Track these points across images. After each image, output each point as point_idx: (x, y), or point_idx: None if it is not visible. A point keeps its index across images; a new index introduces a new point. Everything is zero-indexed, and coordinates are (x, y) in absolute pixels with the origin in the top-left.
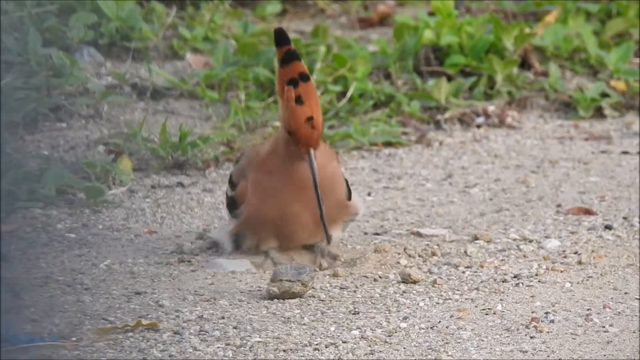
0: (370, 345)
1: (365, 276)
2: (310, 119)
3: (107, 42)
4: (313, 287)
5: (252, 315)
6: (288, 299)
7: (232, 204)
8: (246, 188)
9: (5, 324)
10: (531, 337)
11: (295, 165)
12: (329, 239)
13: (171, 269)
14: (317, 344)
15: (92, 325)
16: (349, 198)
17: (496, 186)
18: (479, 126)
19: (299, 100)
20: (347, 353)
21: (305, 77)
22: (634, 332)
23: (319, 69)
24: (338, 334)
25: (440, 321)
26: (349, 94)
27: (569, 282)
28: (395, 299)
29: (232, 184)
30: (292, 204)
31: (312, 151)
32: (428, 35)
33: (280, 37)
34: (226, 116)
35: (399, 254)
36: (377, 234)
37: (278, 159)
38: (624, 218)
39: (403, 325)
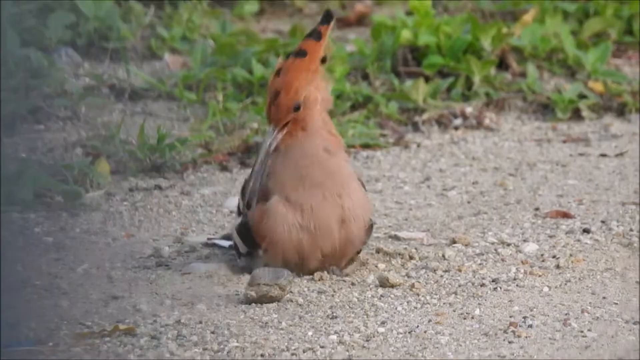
0: (348, 350)
1: (343, 280)
2: (277, 93)
3: (85, 43)
4: (291, 291)
5: (230, 319)
6: (266, 303)
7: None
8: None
9: None
10: (509, 342)
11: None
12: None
13: (149, 273)
14: (294, 349)
15: (69, 329)
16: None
17: (474, 189)
18: (456, 128)
19: (277, 72)
20: (325, 358)
21: (299, 54)
22: (612, 337)
23: None
24: (316, 339)
25: (418, 326)
26: None
27: (547, 286)
28: (373, 303)
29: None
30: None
31: (275, 128)
32: (406, 35)
33: (322, 17)
34: (204, 117)
35: (377, 257)
36: None
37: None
38: (602, 222)
39: (381, 329)
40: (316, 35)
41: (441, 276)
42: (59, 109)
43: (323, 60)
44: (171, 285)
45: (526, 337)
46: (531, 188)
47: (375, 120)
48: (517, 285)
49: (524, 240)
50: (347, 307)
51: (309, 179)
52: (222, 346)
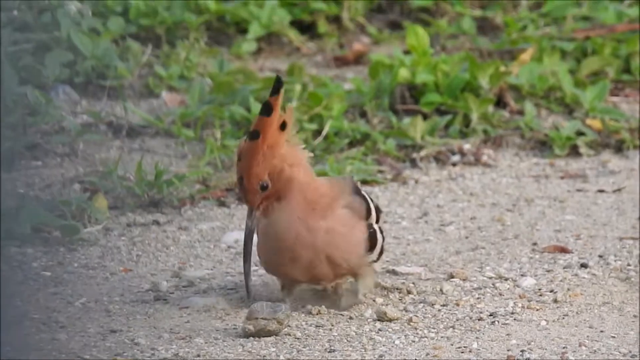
0: None
1: (341, 314)
2: (240, 179)
3: (83, 81)
4: (289, 325)
5: (228, 353)
6: (264, 337)
7: None
8: None
9: None
10: None
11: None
12: (248, 294)
13: (147, 307)
14: None
15: None
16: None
17: (472, 224)
18: (454, 164)
19: (239, 157)
20: None
21: (252, 135)
22: None
23: (295, 107)
24: None
25: (415, 359)
26: (324, 132)
27: (545, 320)
28: (370, 337)
29: None
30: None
31: (252, 209)
32: (403, 73)
33: (273, 85)
34: (202, 154)
35: (375, 292)
36: None
37: None
38: (600, 256)
39: None
40: (266, 110)
41: (439, 310)
42: (57, 146)
43: (283, 127)
44: (169, 319)
45: None
46: (529, 223)
47: (373, 157)
48: (514, 319)
49: (522, 275)
50: (345, 340)
51: (287, 253)
52: None
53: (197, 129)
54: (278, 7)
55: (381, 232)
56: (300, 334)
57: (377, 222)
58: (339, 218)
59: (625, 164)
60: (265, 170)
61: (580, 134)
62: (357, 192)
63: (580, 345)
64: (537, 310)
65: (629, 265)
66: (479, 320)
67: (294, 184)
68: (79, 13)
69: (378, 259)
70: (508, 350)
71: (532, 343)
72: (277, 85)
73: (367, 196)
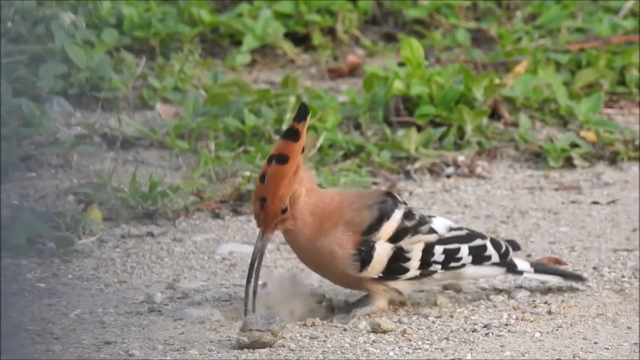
0: None
1: (335, 326)
2: (263, 199)
3: (77, 92)
4: (283, 337)
5: None
6: (258, 348)
7: None
8: None
9: None
10: None
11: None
12: (245, 312)
13: (141, 319)
14: None
15: None
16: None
17: None
18: (448, 176)
19: (262, 178)
20: None
21: (281, 160)
22: None
23: (289, 119)
24: None
25: None
26: (318, 144)
27: (539, 332)
28: (365, 349)
29: None
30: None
31: (261, 230)
32: (398, 85)
33: (298, 112)
34: (196, 166)
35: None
36: None
37: None
38: (594, 268)
39: None
40: (295, 136)
41: (433, 322)
42: (51, 157)
43: (302, 150)
44: (163, 330)
45: None
46: (523, 235)
47: (367, 169)
48: (508, 331)
49: (516, 287)
50: (339, 352)
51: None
52: None
53: (192, 140)
54: (272, 19)
55: (399, 252)
56: (294, 346)
57: (394, 241)
58: (337, 236)
59: (620, 176)
60: (288, 194)
61: (574, 145)
62: (378, 205)
63: (574, 357)
64: (531, 322)
65: (623, 277)
66: (473, 331)
67: (307, 207)
68: (73, 25)
69: (390, 278)
70: None
71: (526, 355)
72: (304, 111)
73: (394, 213)
